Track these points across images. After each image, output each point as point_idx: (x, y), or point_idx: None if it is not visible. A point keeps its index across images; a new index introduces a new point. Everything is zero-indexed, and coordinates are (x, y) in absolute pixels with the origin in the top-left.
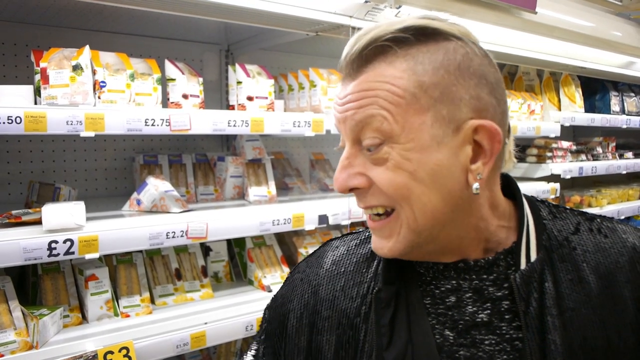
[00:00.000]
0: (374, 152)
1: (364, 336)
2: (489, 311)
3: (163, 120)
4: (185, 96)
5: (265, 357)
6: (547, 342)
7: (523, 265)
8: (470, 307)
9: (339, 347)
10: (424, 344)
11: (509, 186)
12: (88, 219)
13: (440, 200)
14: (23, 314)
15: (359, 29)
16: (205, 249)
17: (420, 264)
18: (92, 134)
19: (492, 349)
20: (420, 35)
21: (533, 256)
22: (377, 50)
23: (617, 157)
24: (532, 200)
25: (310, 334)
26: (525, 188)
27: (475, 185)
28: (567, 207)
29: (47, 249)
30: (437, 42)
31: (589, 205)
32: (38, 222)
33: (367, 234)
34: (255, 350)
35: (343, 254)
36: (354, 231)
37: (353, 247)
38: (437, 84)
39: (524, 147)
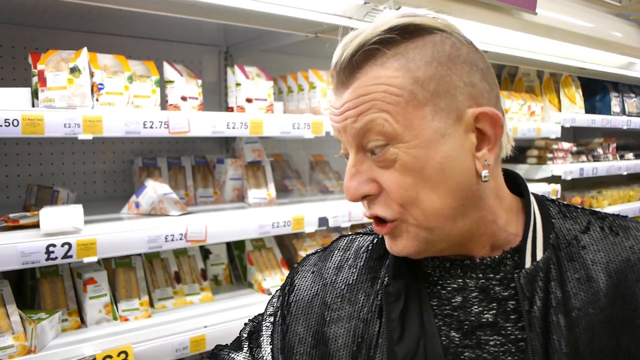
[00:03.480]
0: (380, 154)
1: (378, 330)
2: (494, 311)
3: (162, 122)
4: (184, 98)
5: (274, 340)
6: (551, 343)
7: (528, 264)
8: (476, 307)
9: (350, 341)
10: (431, 346)
11: (517, 185)
12: (86, 222)
13: (449, 195)
14: (21, 318)
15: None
16: (205, 251)
17: (427, 264)
18: (90, 136)
19: (497, 349)
20: (405, 33)
21: (539, 255)
22: (367, 54)
23: (618, 158)
24: (541, 198)
25: (318, 325)
26: None
27: (485, 172)
28: (579, 206)
29: (45, 253)
30: (423, 37)
31: (590, 207)
32: (36, 225)
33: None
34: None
35: (353, 249)
36: (363, 229)
37: (363, 242)
38: (431, 76)
39: (524, 148)
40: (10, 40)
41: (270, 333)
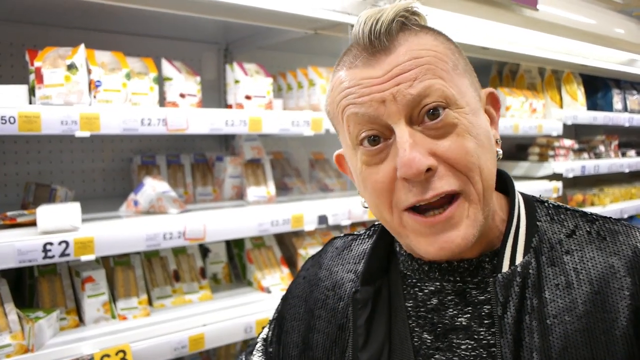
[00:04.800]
0: (439, 120)
1: (348, 336)
2: (469, 315)
3: (160, 119)
4: (182, 95)
5: (273, 344)
6: (522, 351)
7: (506, 268)
8: (451, 310)
9: (327, 346)
10: (401, 347)
11: (505, 183)
12: (84, 220)
13: (493, 166)
14: (19, 316)
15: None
16: (204, 250)
17: (407, 266)
18: (87, 133)
19: (467, 354)
20: (417, 17)
21: (519, 259)
22: (399, 26)
23: (620, 156)
24: (530, 199)
25: (306, 331)
26: (527, 187)
27: (499, 150)
28: (571, 207)
29: (42, 251)
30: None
31: (592, 204)
32: (33, 223)
33: (367, 233)
34: (265, 334)
35: (340, 253)
36: (354, 232)
37: (350, 246)
38: (459, 52)
39: (525, 145)
40: (8, 37)
41: (271, 338)
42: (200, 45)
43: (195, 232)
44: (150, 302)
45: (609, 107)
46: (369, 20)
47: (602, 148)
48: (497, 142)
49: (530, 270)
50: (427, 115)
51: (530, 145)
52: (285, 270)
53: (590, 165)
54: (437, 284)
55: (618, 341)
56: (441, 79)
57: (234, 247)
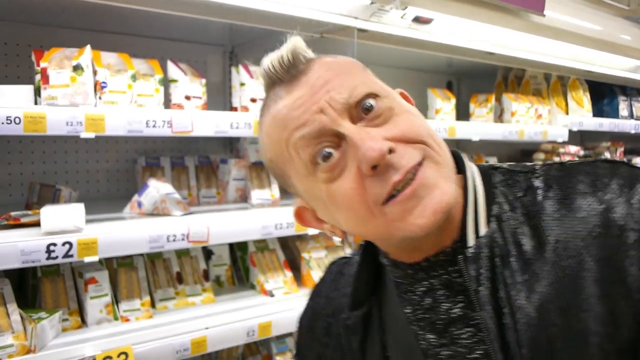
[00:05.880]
0: (376, 109)
1: None
2: (462, 304)
3: (164, 121)
4: (187, 97)
5: None
6: (504, 317)
7: (471, 242)
8: (444, 304)
9: None
10: (409, 354)
11: (458, 163)
12: (88, 221)
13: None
14: (21, 317)
15: (364, 30)
16: (207, 252)
17: (395, 274)
18: (92, 135)
19: (469, 342)
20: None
21: (482, 230)
22: (302, 55)
23: None
24: (486, 168)
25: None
26: None
27: None
28: (522, 168)
29: (46, 252)
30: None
31: None
32: (37, 224)
33: (357, 255)
34: None
35: (335, 279)
36: (348, 255)
37: (342, 270)
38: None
39: (530, 151)
40: (14, 38)
41: None
42: (206, 47)
43: (199, 235)
44: (153, 304)
45: (615, 114)
46: (273, 59)
47: (607, 155)
48: None
49: (497, 239)
50: (363, 111)
51: (535, 151)
52: (289, 274)
53: None
54: (426, 282)
55: (592, 300)
56: (362, 80)
57: (238, 250)
